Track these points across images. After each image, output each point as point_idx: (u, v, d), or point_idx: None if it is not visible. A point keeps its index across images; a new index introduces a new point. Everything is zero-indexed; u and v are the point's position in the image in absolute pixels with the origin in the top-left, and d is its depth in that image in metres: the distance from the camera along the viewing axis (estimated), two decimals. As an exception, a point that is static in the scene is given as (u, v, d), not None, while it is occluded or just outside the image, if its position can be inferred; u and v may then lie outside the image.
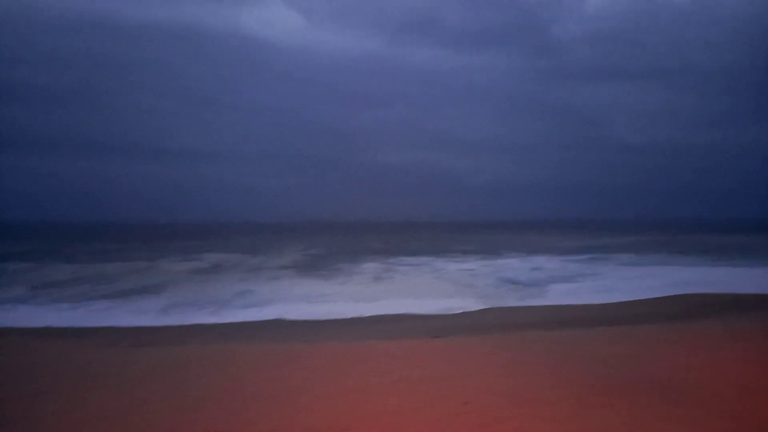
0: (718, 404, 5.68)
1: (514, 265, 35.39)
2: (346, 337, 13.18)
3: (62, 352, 10.75)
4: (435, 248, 51.95)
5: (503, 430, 5.06)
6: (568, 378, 6.93)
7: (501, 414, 5.52)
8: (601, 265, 34.10)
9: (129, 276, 28.96)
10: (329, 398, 6.41)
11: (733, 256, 38.89)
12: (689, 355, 8.49)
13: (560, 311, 18.04)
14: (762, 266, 31.10)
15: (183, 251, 47.27)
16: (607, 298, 20.97)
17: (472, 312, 18.47)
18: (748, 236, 67.48)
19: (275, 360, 9.09)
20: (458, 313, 18.17)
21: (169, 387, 7.47)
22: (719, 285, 22.41)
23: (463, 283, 27.55)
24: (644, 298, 20.48)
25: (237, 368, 8.50)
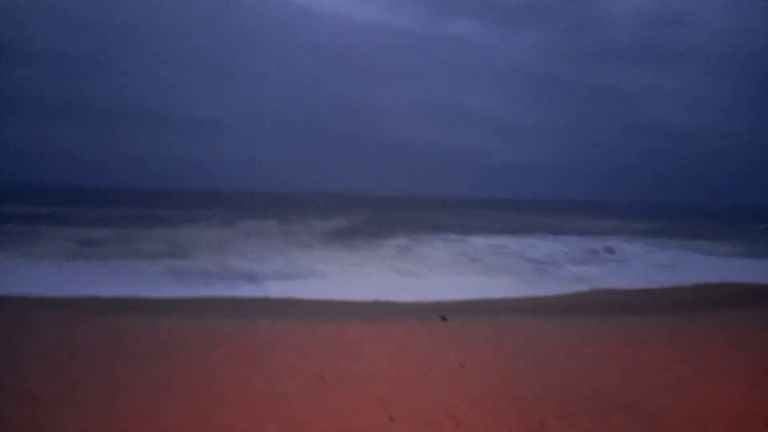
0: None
1: (538, 244, 33.80)
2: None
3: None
4: (463, 225, 50.45)
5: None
6: (525, 391, 5.83)
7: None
8: (628, 249, 32.14)
9: (160, 242, 28.39)
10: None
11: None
12: (680, 361, 7.10)
13: (564, 298, 16.61)
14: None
15: (207, 218, 46.82)
16: (622, 283, 19.55)
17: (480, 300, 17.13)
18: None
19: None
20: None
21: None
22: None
23: (488, 262, 26.33)
24: (664, 286, 18.85)
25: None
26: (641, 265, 26.00)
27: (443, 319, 11.88)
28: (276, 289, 16.62)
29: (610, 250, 31.08)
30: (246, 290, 16.40)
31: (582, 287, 18.69)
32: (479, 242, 33.51)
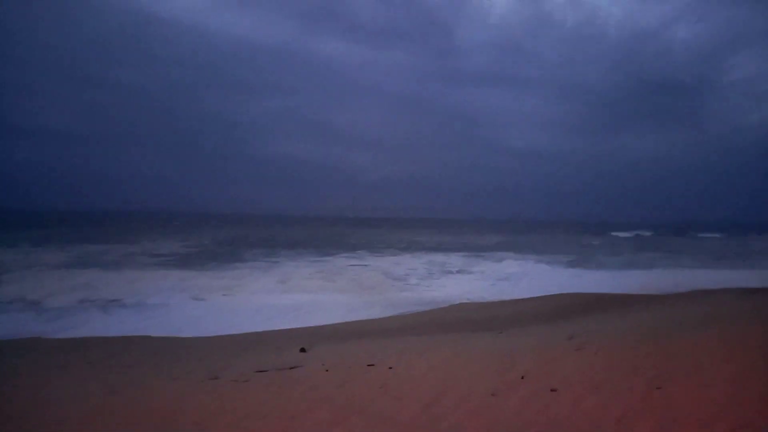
0: None
1: (396, 261, 33.03)
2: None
3: None
4: (325, 244, 48.39)
5: None
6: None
7: None
8: (480, 263, 32.38)
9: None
10: None
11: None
12: (608, 403, 5.46)
13: (432, 313, 15.19)
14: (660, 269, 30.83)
15: (38, 240, 39.70)
16: (479, 296, 19.31)
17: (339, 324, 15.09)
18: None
19: None
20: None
21: None
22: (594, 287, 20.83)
23: (346, 281, 24.67)
24: (522, 297, 18.45)
25: None
26: (491, 277, 25.89)
27: (302, 350, 9.71)
28: (99, 324, 13.03)
29: (463, 264, 31.12)
30: (56, 326, 12.63)
31: (442, 302, 17.53)
32: (339, 261, 31.76)
